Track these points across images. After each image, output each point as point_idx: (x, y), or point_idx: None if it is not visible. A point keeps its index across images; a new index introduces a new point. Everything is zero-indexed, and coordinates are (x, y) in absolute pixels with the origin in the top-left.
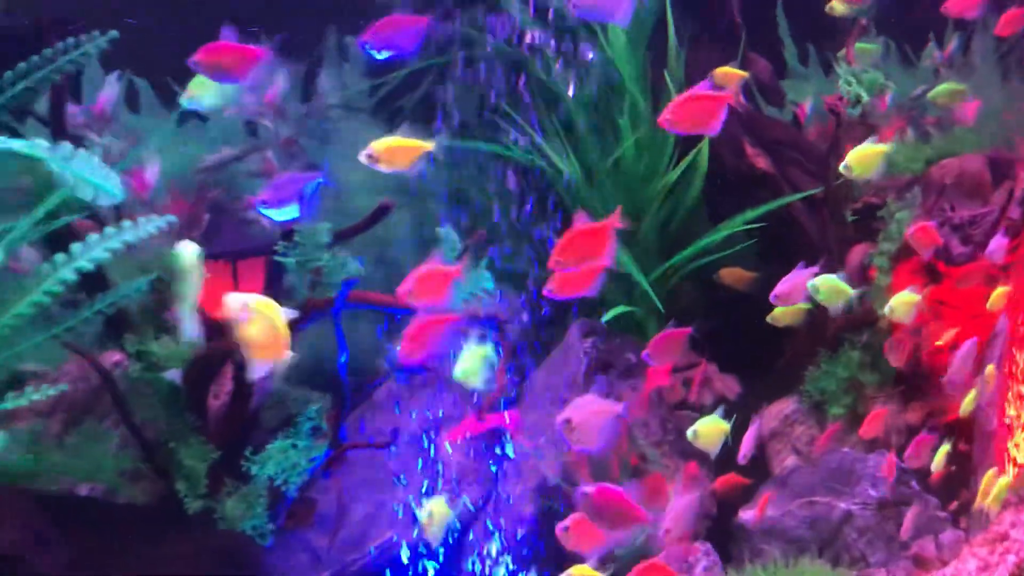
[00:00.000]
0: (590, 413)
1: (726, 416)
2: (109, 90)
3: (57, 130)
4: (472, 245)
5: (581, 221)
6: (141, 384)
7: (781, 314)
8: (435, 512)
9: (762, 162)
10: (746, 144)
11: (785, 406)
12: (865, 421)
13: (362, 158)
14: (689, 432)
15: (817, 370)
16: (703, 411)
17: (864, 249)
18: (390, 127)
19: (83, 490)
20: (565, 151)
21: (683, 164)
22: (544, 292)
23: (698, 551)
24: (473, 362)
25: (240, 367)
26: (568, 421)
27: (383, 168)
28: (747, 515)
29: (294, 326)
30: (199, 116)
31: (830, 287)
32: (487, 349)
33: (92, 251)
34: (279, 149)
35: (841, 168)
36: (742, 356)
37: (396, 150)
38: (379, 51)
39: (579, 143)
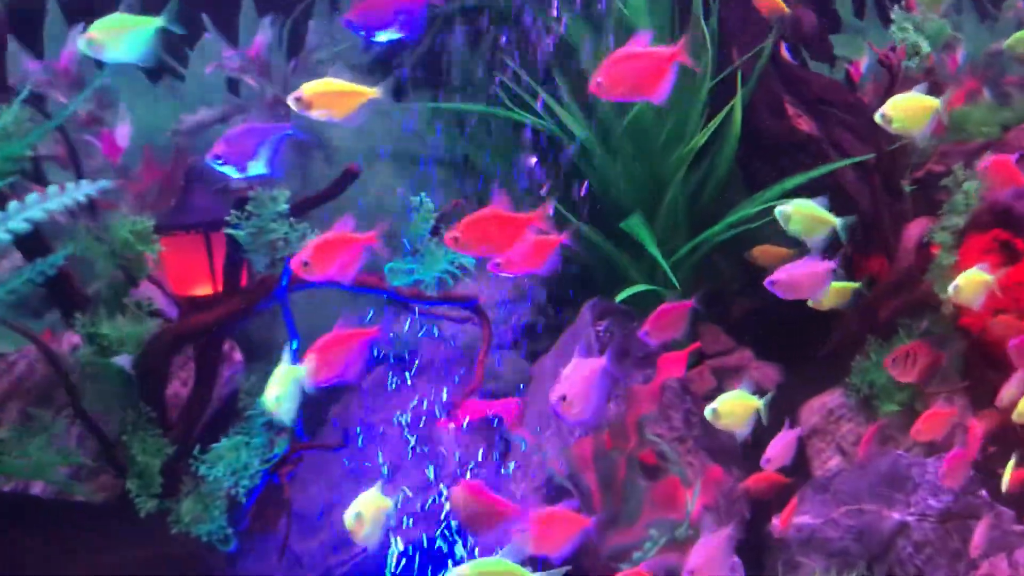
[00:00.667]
0: (581, 380)
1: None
2: (73, 44)
3: None
4: (449, 214)
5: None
6: (93, 370)
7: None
8: (365, 512)
9: (804, 124)
10: (787, 103)
11: (829, 399)
12: (919, 420)
13: (290, 102)
14: (708, 411)
15: (865, 360)
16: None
17: (924, 223)
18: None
19: (36, 488)
20: (578, 113)
21: (710, 127)
22: (489, 268)
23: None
24: (283, 387)
25: (203, 351)
26: (564, 398)
27: (316, 115)
28: (774, 524)
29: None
30: (175, 73)
31: (805, 216)
32: (299, 370)
33: (10, 221)
34: (264, 110)
35: (877, 117)
36: (784, 342)
37: (332, 95)
38: (370, 32)
39: (595, 104)
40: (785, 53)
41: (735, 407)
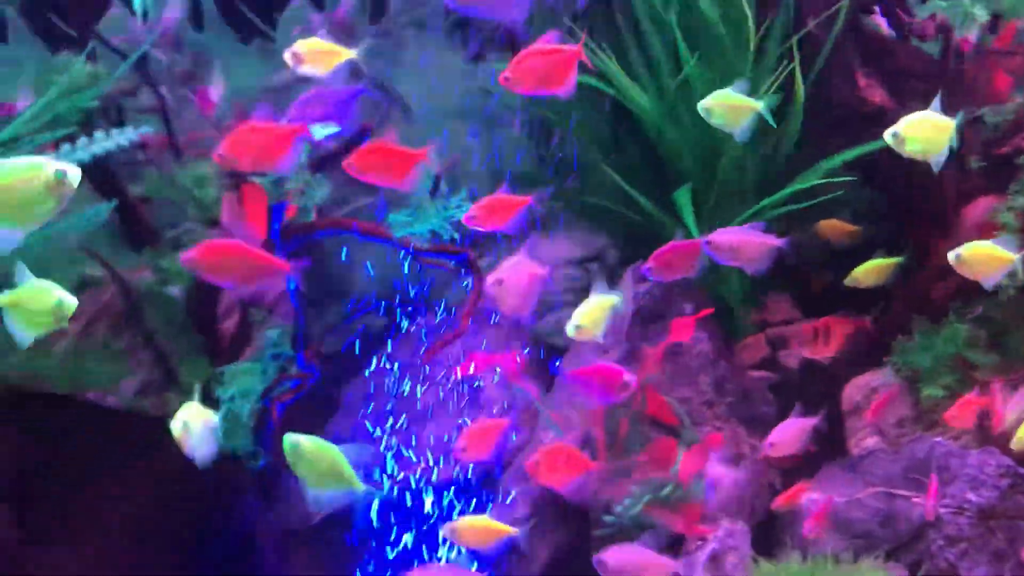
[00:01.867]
0: (522, 274)
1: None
2: (174, 9)
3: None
4: (445, 172)
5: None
6: (153, 298)
7: (863, 273)
8: (190, 422)
9: (876, 95)
10: (859, 73)
11: (873, 378)
12: (955, 406)
13: (286, 56)
14: (570, 328)
15: (909, 341)
16: (787, 375)
17: (988, 203)
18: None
19: (110, 400)
20: (640, 77)
21: (764, 96)
22: (464, 220)
23: (719, 531)
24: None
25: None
26: (500, 282)
27: (304, 69)
28: (778, 503)
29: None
30: (265, 36)
31: (725, 105)
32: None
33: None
34: (345, 71)
35: (888, 137)
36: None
37: (319, 53)
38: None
39: (658, 71)
40: (878, 21)
41: (593, 312)
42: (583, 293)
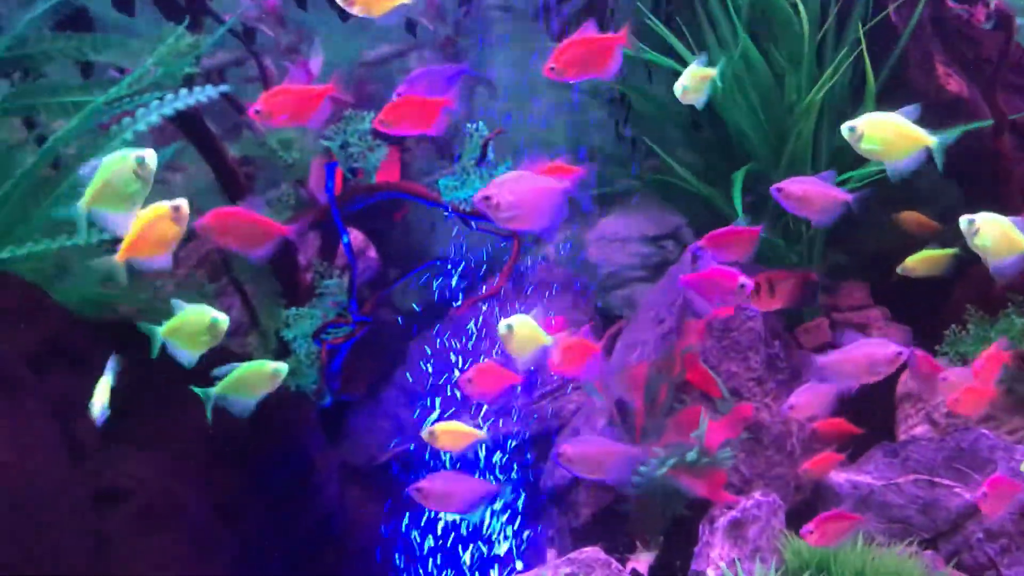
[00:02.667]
0: (516, 184)
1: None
2: None
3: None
4: (491, 142)
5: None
6: None
7: (916, 263)
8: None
9: (954, 84)
10: (938, 62)
11: None
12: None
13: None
14: (502, 326)
15: (961, 331)
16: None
17: None
18: (552, 31)
19: None
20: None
21: (824, 81)
22: (375, 124)
23: (747, 501)
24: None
25: (324, 239)
26: (487, 199)
27: (360, 11)
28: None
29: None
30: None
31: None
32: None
33: (149, 116)
34: (437, 48)
35: (845, 130)
36: (919, 308)
37: None
38: None
39: (726, 50)
40: (952, 7)
41: (525, 334)
42: (657, 270)
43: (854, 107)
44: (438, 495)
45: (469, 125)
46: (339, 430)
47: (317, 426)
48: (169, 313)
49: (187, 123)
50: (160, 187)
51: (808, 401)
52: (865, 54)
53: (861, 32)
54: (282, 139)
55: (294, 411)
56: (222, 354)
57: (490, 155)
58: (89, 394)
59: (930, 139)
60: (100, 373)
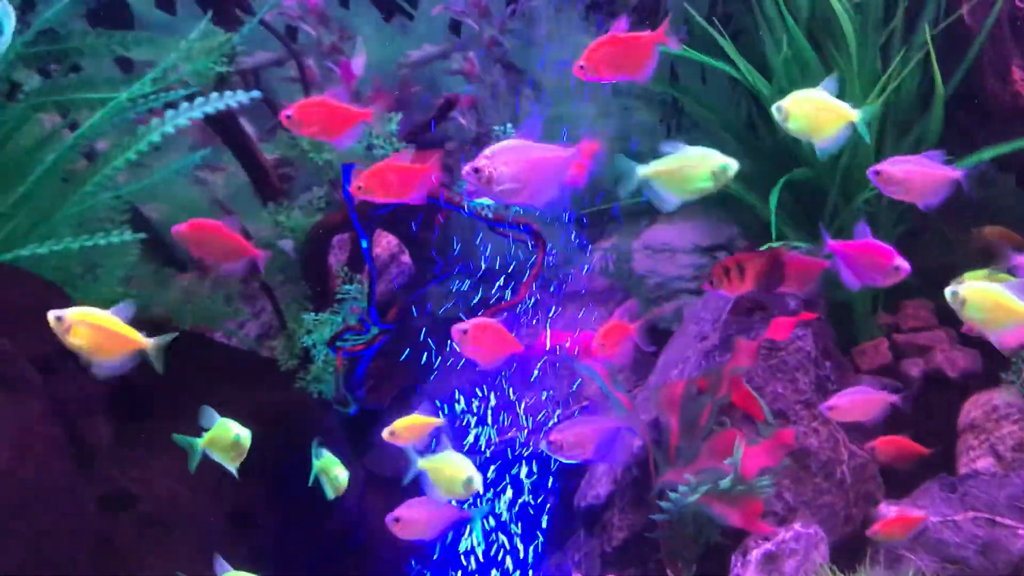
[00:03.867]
0: (511, 154)
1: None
2: None
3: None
4: None
5: None
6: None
7: (973, 280)
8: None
9: None
10: (1013, 66)
11: (998, 396)
12: None
13: None
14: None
15: None
16: (907, 383)
17: None
18: (602, 31)
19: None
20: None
21: (884, 86)
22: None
23: (786, 532)
24: None
25: (355, 242)
26: (476, 170)
27: None
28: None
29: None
30: (405, 13)
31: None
32: None
33: (176, 119)
34: (481, 49)
35: (774, 109)
36: None
37: None
38: None
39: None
40: None
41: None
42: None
43: (922, 115)
44: (413, 523)
45: (496, 128)
46: (364, 439)
47: (339, 435)
48: (197, 312)
49: (221, 125)
50: (200, 188)
51: (851, 405)
52: (933, 58)
53: (928, 35)
54: (314, 140)
55: (315, 418)
56: (251, 357)
57: None
58: (100, 395)
59: (852, 114)
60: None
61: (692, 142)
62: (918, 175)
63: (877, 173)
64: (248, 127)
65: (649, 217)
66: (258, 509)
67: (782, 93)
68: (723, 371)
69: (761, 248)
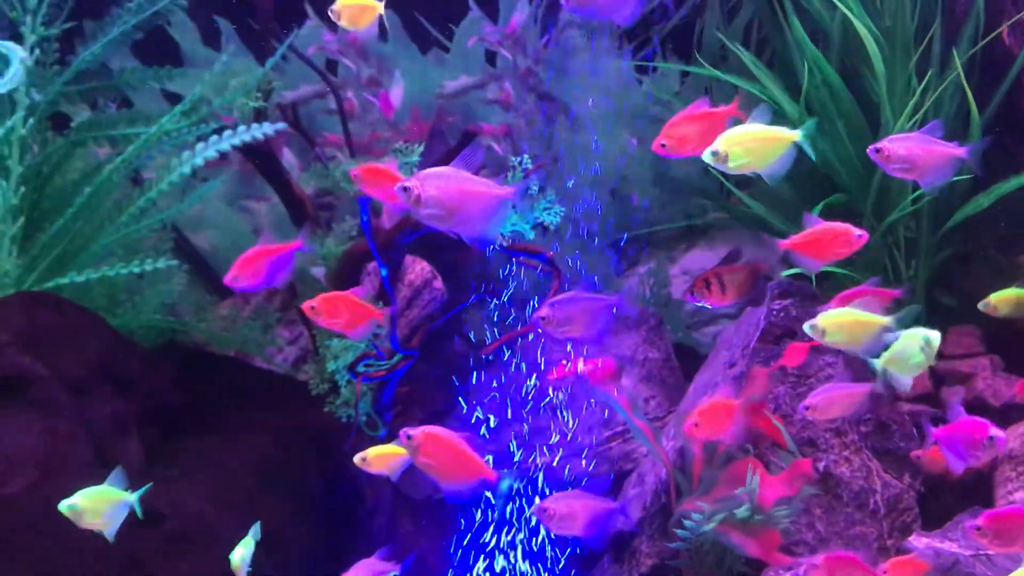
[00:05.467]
0: (452, 187)
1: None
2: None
3: None
4: (533, 174)
5: None
6: (301, 277)
7: (1001, 300)
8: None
9: None
10: None
11: None
12: None
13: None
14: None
15: None
16: (948, 411)
17: None
18: (636, 55)
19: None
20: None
21: (910, 111)
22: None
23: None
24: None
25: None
26: (405, 189)
27: (346, 25)
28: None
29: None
30: (441, 45)
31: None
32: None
33: (205, 151)
34: (517, 80)
35: (707, 156)
36: None
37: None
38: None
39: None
40: None
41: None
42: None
43: (964, 139)
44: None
45: (513, 158)
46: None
47: None
48: (235, 339)
49: (258, 157)
50: (244, 216)
51: (829, 402)
52: (963, 80)
53: (958, 61)
54: (346, 171)
55: (344, 441)
56: (285, 381)
57: (533, 188)
58: (133, 416)
59: (793, 134)
60: (147, 398)
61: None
62: (921, 152)
63: (877, 151)
64: (292, 158)
65: (687, 241)
66: (286, 529)
67: (810, 117)
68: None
69: None
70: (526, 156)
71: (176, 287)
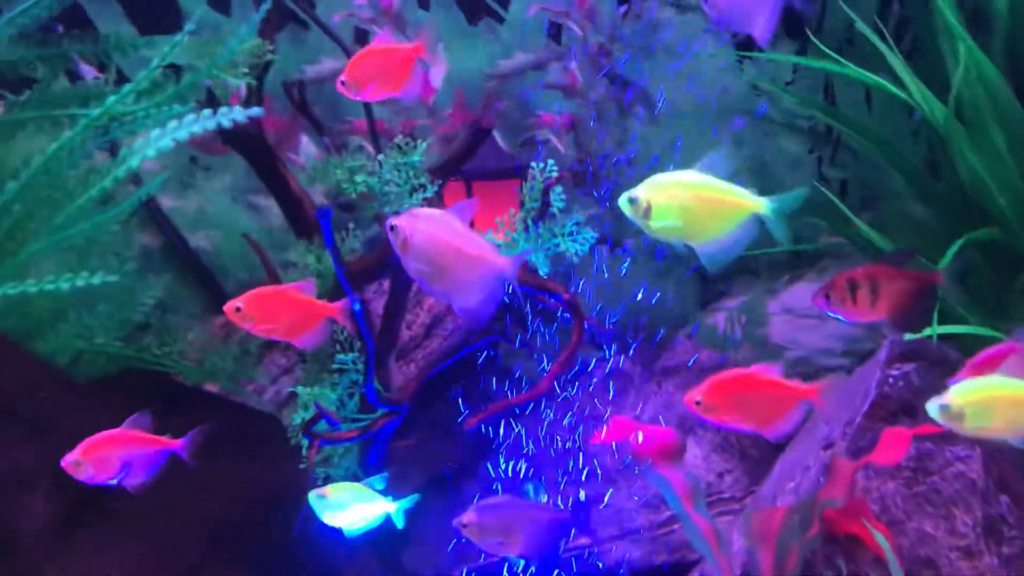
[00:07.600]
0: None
1: None
2: None
3: None
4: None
5: None
6: None
7: None
8: None
9: None
10: None
11: None
12: None
13: None
14: None
15: None
16: None
17: None
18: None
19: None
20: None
21: None
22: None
23: None
24: None
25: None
26: (393, 228)
27: None
28: None
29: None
30: (495, 15)
31: None
32: None
33: (159, 141)
34: (586, 59)
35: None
36: None
37: None
38: None
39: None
40: None
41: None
42: (865, 360)
43: None
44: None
45: (533, 165)
46: (399, 535)
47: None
48: (193, 371)
49: (246, 148)
50: (251, 212)
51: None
52: None
53: None
54: (350, 167)
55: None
56: (272, 423)
57: (556, 206)
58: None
59: (758, 203)
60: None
61: (852, 178)
62: None
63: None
64: (311, 148)
65: (793, 271)
66: None
67: (959, 121)
68: (815, 501)
69: None
70: (551, 161)
71: (150, 299)
